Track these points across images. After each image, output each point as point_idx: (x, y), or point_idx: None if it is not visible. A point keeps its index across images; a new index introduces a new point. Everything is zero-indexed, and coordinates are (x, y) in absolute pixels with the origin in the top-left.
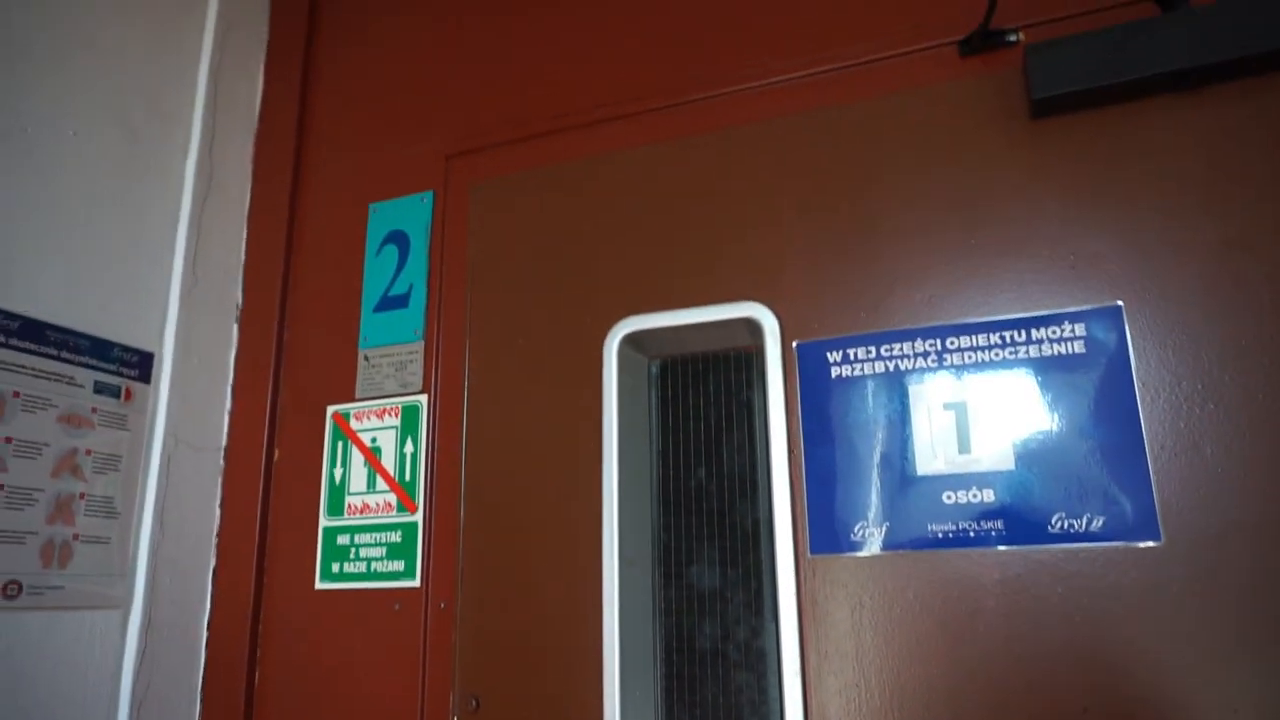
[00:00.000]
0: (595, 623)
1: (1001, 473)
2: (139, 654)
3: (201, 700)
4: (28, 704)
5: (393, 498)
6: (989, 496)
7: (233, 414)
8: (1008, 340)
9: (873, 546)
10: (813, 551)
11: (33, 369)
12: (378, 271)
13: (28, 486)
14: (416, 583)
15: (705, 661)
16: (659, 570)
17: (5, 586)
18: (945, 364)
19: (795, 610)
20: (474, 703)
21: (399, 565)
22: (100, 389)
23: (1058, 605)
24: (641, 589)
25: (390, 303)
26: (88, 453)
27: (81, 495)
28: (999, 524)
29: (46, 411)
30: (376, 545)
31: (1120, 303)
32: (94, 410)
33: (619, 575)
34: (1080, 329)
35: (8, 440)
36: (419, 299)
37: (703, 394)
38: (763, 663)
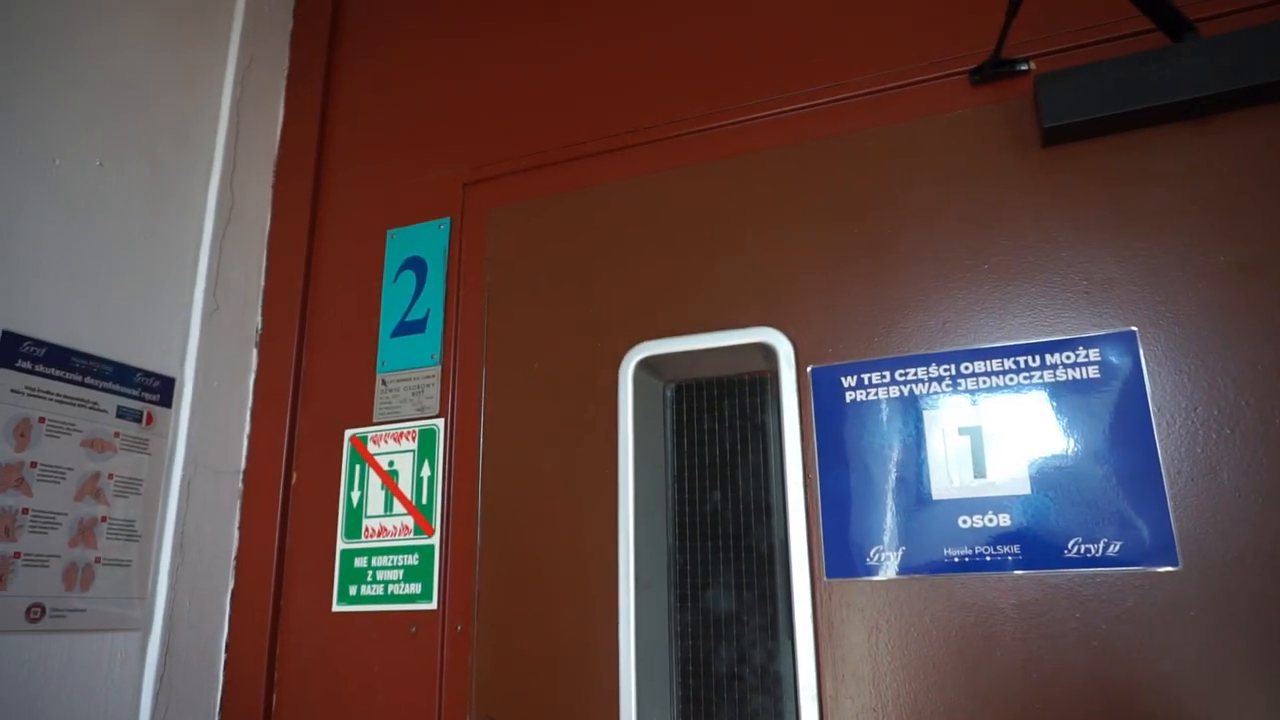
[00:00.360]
0: (611, 645)
1: (1017, 497)
2: (158, 676)
3: None
4: None
5: (410, 521)
6: (1005, 521)
7: (252, 437)
8: (1022, 365)
9: (889, 570)
10: (829, 575)
11: (58, 395)
12: (395, 297)
13: (52, 510)
14: (433, 605)
15: (722, 685)
16: (675, 593)
17: (29, 610)
18: (960, 388)
19: (811, 634)
20: None
21: (416, 588)
22: (122, 413)
23: (1075, 630)
24: (657, 612)
25: (408, 327)
26: (110, 476)
27: (103, 519)
28: (1015, 548)
29: (70, 436)
30: (393, 568)
31: (1134, 328)
32: (116, 435)
33: (635, 598)
34: (1094, 354)
35: (33, 465)
36: (436, 324)
37: (717, 418)
38: (779, 686)
